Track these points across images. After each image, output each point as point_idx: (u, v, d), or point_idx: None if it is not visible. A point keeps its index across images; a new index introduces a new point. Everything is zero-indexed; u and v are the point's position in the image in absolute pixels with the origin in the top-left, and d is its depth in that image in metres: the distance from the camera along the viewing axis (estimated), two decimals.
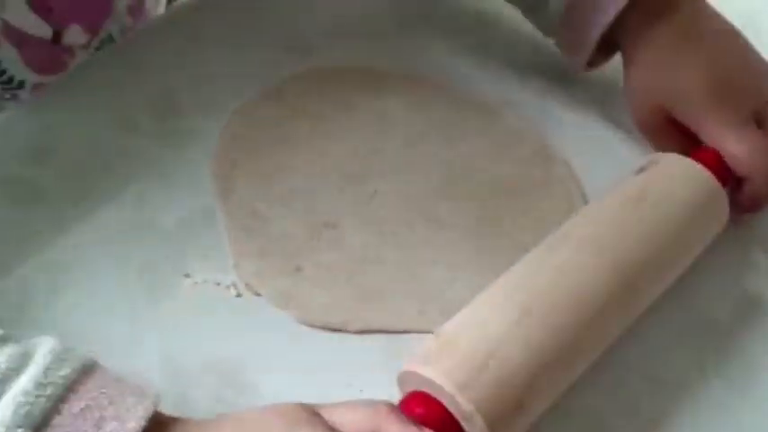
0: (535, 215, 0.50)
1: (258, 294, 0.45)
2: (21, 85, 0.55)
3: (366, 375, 0.41)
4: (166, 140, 0.51)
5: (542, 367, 0.37)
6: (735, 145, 0.48)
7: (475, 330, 0.38)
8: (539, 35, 0.58)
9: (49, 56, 0.54)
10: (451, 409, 0.36)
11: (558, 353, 0.38)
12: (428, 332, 0.43)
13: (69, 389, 0.33)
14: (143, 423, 0.33)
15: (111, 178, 0.49)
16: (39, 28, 0.52)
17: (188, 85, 0.54)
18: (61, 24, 0.53)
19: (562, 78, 0.58)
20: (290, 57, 0.57)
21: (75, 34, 0.54)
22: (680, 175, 0.47)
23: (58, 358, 0.34)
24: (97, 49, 0.57)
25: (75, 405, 0.33)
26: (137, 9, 0.61)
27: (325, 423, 0.34)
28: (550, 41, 0.57)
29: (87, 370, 0.35)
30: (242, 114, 0.53)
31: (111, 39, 0.58)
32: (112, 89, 0.53)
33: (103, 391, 0.34)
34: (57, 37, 0.53)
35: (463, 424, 0.36)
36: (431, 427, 0.35)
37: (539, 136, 0.55)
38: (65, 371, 0.34)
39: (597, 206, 0.46)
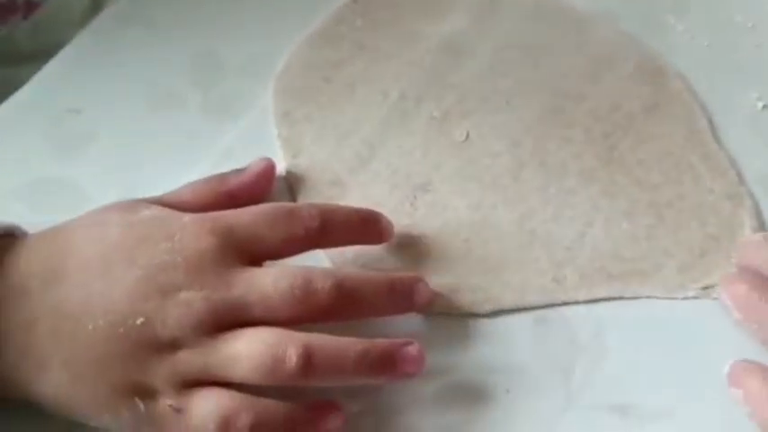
0: (654, 144, 0.43)
1: None
2: None
3: (514, 362, 0.36)
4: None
5: None
6: None
7: None
8: None
9: None
10: None
11: None
12: (571, 303, 0.38)
13: None
14: None
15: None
16: None
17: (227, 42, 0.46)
18: None
19: None
20: None
21: None
22: None
23: None
24: None
25: None
26: None
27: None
28: None
29: None
30: (294, 65, 0.45)
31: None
32: (140, 55, 0.45)
33: None
34: None
35: None
36: None
37: (642, 47, 0.47)
38: None
39: None
